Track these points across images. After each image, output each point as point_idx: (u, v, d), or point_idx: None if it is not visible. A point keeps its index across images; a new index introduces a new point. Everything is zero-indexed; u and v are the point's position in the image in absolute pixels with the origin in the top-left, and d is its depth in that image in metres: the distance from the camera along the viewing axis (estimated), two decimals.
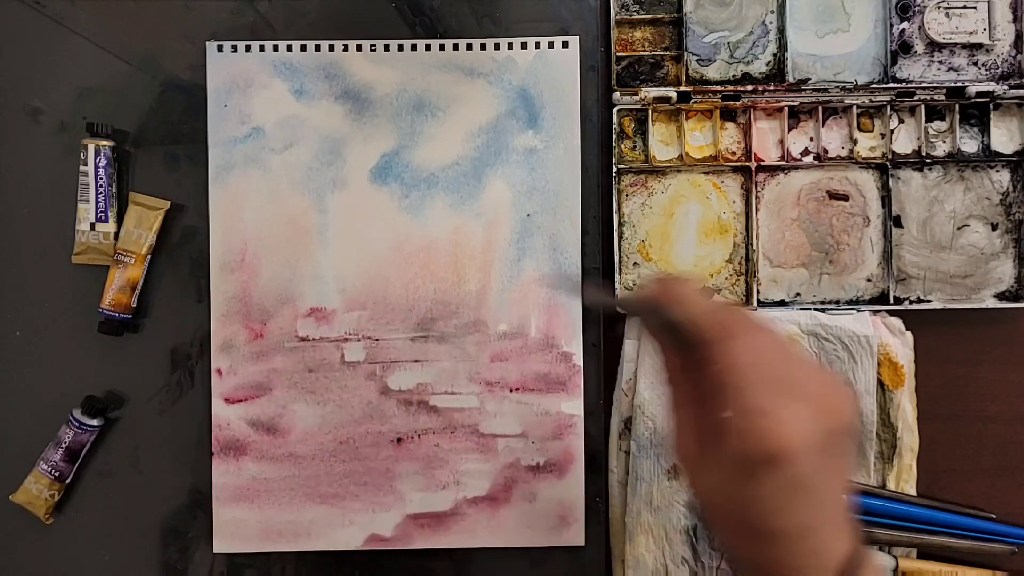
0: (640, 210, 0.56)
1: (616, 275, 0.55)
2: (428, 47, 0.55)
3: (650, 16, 0.56)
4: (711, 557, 0.53)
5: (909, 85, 0.55)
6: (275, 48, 0.55)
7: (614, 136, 0.55)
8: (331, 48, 0.55)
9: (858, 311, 0.55)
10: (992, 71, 0.56)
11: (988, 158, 0.56)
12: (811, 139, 0.57)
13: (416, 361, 0.55)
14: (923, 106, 0.56)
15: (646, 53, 0.56)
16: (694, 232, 0.56)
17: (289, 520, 0.54)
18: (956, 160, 0.56)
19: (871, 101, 0.56)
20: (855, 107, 0.56)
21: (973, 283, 0.56)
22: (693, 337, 0.33)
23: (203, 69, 0.55)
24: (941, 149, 0.56)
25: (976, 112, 0.56)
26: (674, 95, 0.55)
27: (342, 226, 0.55)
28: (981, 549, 0.54)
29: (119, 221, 0.54)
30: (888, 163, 0.56)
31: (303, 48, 0.55)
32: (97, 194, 0.53)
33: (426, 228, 0.55)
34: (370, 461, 0.55)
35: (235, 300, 0.55)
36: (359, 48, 0.55)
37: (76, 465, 0.54)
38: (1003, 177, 0.56)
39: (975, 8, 0.56)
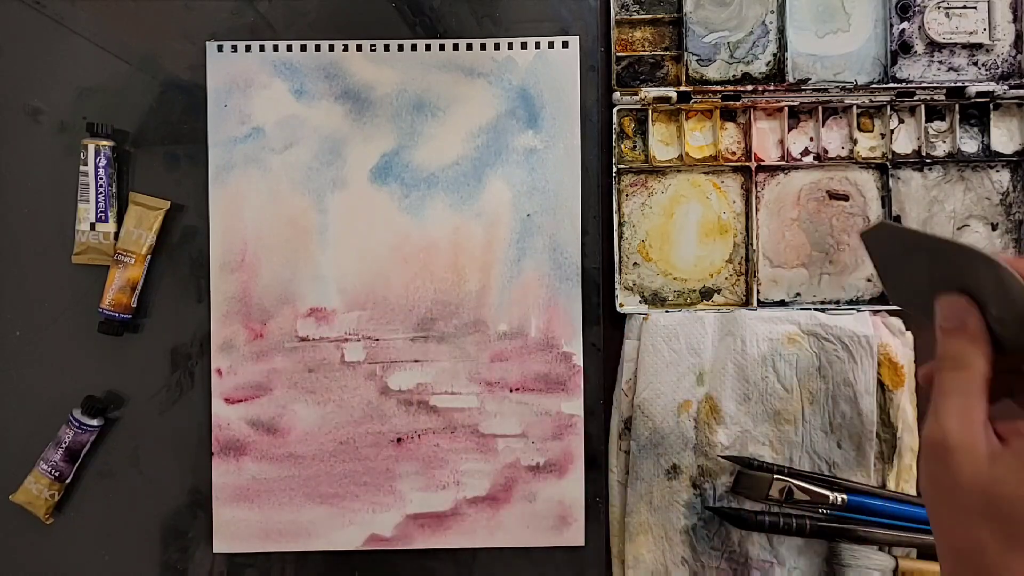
0: (640, 210, 0.56)
1: (616, 275, 0.55)
2: (428, 47, 0.55)
3: (650, 16, 0.56)
4: (711, 557, 0.53)
5: (909, 85, 0.55)
6: (275, 48, 0.55)
7: (614, 136, 0.55)
8: (331, 48, 0.55)
9: (858, 311, 0.55)
10: (992, 71, 0.56)
11: (988, 158, 0.56)
12: (811, 139, 0.57)
13: (416, 361, 0.55)
14: (923, 106, 0.56)
15: (646, 53, 0.56)
16: (694, 232, 0.56)
17: (289, 520, 0.54)
18: (956, 160, 0.56)
19: (871, 101, 0.56)
20: (855, 107, 0.56)
21: None
22: None
23: (203, 69, 0.55)
24: (941, 149, 0.56)
25: (976, 112, 0.56)
26: (674, 95, 0.55)
27: (342, 226, 0.55)
28: None
29: (119, 221, 0.54)
30: (888, 163, 0.56)
31: (303, 48, 0.55)
32: (97, 194, 0.53)
33: (426, 228, 0.55)
34: (370, 461, 0.55)
35: (235, 300, 0.55)
36: (359, 48, 0.55)
37: (76, 465, 0.54)
38: (1003, 177, 0.56)
39: (975, 8, 0.56)
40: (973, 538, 0.31)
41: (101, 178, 0.53)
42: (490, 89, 0.55)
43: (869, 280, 0.56)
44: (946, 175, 0.56)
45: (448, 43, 0.55)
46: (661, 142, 0.57)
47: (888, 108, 0.56)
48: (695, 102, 0.55)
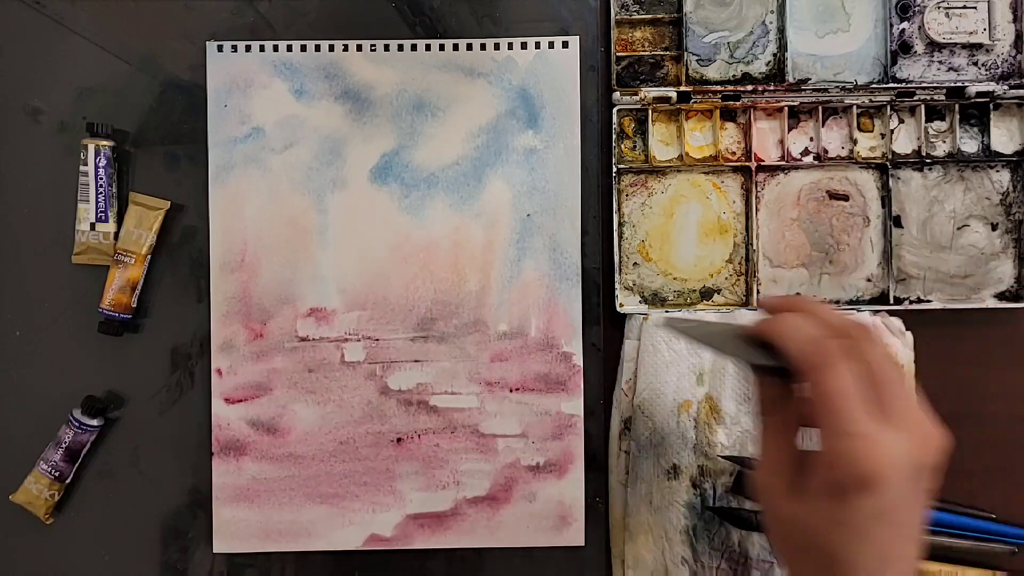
0: (640, 210, 0.56)
1: (616, 275, 0.55)
2: (428, 47, 0.55)
3: (650, 16, 0.56)
4: (711, 557, 0.53)
5: (909, 85, 0.55)
6: (275, 48, 0.55)
7: (614, 136, 0.55)
8: (331, 48, 0.55)
9: (858, 311, 0.55)
10: (992, 71, 0.56)
11: (988, 158, 0.56)
12: (811, 139, 0.57)
13: (416, 361, 0.55)
14: (923, 106, 0.56)
15: (646, 53, 0.56)
16: (694, 232, 0.56)
17: (289, 520, 0.54)
18: (956, 160, 0.56)
19: (871, 101, 0.56)
20: (855, 107, 0.56)
21: (973, 283, 0.56)
22: (795, 365, 0.33)
23: (203, 69, 0.55)
24: (941, 149, 0.57)
25: (976, 112, 0.56)
26: (674, 95, 0.55)
27: (342, 226, 0.55)
28: (981, 549, 0.54)
29: (119, 221, 0.54)
30: (888, 163, 0.56)
31: (303, 48, 0.55)
32: (97, 194, 0.53)
33: (426, 228, 0.55)
34: (370, 461, 0.55)
35: (235, 300, 0.55)
36: (359, 48, 0.55)
37: (76, 465, 0.54)
38: (1003, 177, 0.56)
39: (975, 8, 0.56)
40: (801, 566, 0.34)
41: (101, 178, 0.53)
42: (490, 89, 0.55)
43: (869, 280, 0.56)
44: (946, 175, 0.56)
45: (448, 43, 0.55)
46: (661, 142, 0.57)
47: (888, 108, 0.56)
48: (695, 102, 0.55)
